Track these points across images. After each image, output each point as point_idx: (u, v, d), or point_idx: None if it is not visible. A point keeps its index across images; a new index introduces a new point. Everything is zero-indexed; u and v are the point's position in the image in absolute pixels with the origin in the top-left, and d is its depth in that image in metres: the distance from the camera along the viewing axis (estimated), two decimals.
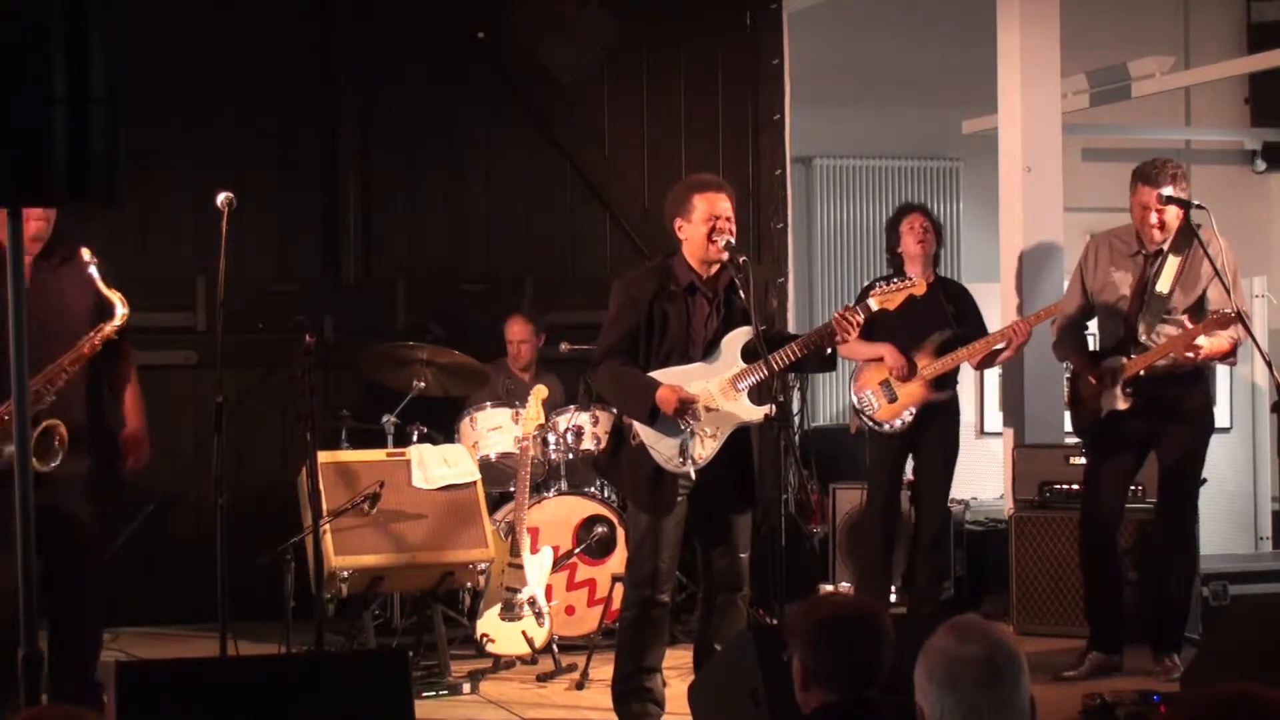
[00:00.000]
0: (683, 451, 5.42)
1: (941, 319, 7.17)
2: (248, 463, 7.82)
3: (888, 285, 5.79)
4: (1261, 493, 8.73)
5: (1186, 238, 6.35)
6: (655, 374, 5.47)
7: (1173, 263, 6.39)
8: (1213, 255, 6.17)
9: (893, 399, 7.19)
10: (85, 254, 5.42)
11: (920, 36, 10.11)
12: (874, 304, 5.63)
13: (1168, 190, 6.27)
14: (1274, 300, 8.33)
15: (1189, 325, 6.24)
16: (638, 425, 5.50)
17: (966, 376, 8.54)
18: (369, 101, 8.45)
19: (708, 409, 5.44)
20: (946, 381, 7.28)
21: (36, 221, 5.26)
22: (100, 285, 5.35)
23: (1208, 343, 6.21)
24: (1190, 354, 6.22)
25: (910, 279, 5.91)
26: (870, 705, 3.25)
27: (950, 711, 2.76)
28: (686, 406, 5.38)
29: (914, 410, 7.20)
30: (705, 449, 5.45)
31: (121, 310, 5.39)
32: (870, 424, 7.26)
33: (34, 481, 4.46)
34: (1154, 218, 6.33)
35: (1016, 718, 2.78)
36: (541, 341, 7.97)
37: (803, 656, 3.28)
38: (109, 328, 5.37)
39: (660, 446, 5.46)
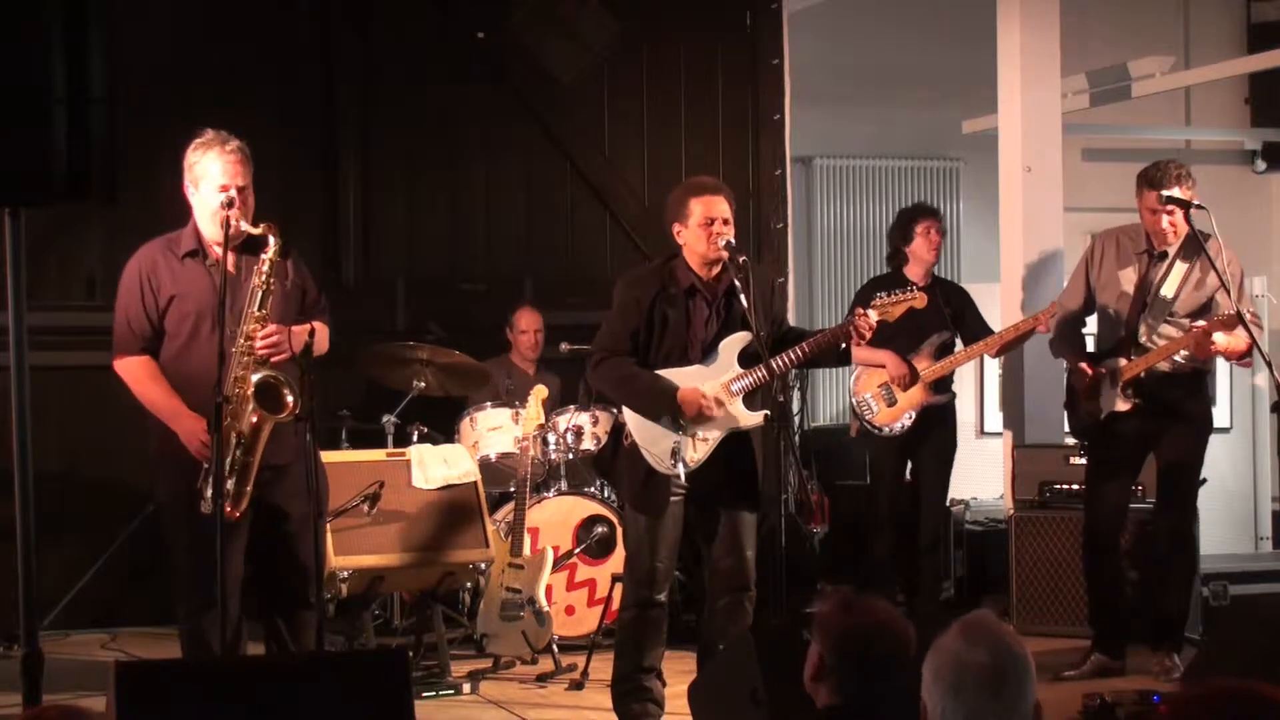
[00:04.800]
0: (675, 454, 5.43)
1: (939, 321, 7.18)
2: None
3: (888, 295, 5.75)
4: (1261, 493, 8.73)
5: (1194, 245, 6.32)
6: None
7: (1180, 268, 6.37)
8: (1220, 267, 6.14)
9: (892, 402, 7.21)
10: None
11: (920, 36, 10.11)
12: (874, 315, 5.58)
13: (1172, 191, 6.24)
14: (1274, 300, 8.33)
15: (1205, 322, 6.21)
16: (632, 426, 5.51)
17: (966, 377, 8.54)
18: (369, 101, 8.45)
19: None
20: (944, 384, 7.29)
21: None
22: (245, 226, 5.11)
23: (1223, 339, 6.19)
24: (1205, 350, 6.19)
25: (912, 290, 5.82)
26: (875, 713, 3.25)
27: (951, 713, 2.76)
28: (709, 406, 5.39)
29: (913, 414, 7.21)
30: (697, 452, 5.46)
31: (272, 240, 5.16)
32: (870, 428, 7.26)
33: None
34: (1164, 220, 6.30)
35: None
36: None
37: (822, 650, 3.30)
38: (267, 257, 5.17)
39: (654, 448, 5.46)
